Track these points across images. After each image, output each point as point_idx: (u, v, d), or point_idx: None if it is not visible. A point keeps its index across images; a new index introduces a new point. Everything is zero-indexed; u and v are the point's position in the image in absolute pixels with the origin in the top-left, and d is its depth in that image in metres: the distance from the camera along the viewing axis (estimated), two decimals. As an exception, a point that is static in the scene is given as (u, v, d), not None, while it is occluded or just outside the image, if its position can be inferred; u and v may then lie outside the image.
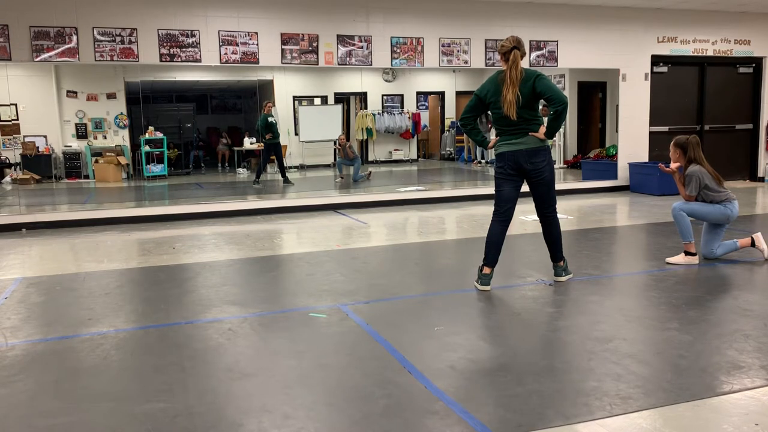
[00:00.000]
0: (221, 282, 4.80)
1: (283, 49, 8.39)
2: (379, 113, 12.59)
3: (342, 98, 12.54)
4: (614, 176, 10.31)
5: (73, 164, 11.75)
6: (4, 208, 8.84)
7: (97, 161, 11.72)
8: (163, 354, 3.30)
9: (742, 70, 10.96)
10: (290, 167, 12.06)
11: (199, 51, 8.04)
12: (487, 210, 5.05)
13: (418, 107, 13.14)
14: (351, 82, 12.09)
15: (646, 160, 10.28)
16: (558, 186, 5.25)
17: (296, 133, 12.20)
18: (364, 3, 8.71)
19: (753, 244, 5.18)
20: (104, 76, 11.86)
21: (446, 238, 6.82)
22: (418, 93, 13.12)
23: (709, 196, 5.05)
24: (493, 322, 3.86)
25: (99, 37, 7.65)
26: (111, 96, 12.20)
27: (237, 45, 8.18)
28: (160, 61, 7.92)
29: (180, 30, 7.95)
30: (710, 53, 10.53)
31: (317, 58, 8.55)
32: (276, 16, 8.37)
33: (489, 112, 4.36)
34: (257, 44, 8.28)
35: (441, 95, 13.45)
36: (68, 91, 11.89)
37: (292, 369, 3.05)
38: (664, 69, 10.43)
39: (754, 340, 3.32)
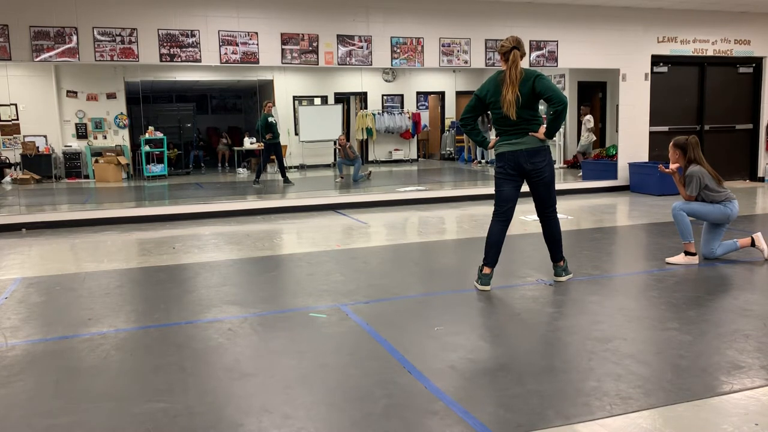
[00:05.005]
0: (221, 282, 4.80)
1: (283, 49, 8.39)
2: (379, 113, 12.59)
3: (342, 98, 12.53)
4: (614, 176, 10.31)
5: (73, 164, 11.74)
6: (4, 208, 8.84)
7: (97, 161, 11.72)
8: (163, 354, 3.30)
9: (742, 70, 10.95)
10: (290, 167, 12.06)
11: (199, 51, 8.04)
12: (487, 210, 5.05)
13: (418, 107, 13.14)
14: (351, 82, 12.09)
15: (646, 160, 10.27)
16: (558, 186, 5.25)
17: (296, 133, 12.20)
18: (364, 3, 8.71)
19: (753, 244, 5.18)
20: (104, 76, 11.86)
21: (446, 238, 6.82)
22: (418, 93, 13.12)
23: (709, 196, 5.05)
24: (493, 322, 3.86)
25: (99, 37, 7.64)
26: (111, 96, 12.20)
27: (237, 45, 8.18)
28: (160, 61, 7.92)
29: (180, 30, 7.95)
30: (710, 53, 10.53)
31: (317, 58, 8.54)
32: (276, 16, 8.36)
33: (489, 112, 4.36)
34: (257, 44, 8.27)
35: (441, 95, 13.45)
36: (68, 91, 11.88)
37: (292, 369, 3.05)
38: (664, 69, 10.42)
39: (754, 340, 3.32)
